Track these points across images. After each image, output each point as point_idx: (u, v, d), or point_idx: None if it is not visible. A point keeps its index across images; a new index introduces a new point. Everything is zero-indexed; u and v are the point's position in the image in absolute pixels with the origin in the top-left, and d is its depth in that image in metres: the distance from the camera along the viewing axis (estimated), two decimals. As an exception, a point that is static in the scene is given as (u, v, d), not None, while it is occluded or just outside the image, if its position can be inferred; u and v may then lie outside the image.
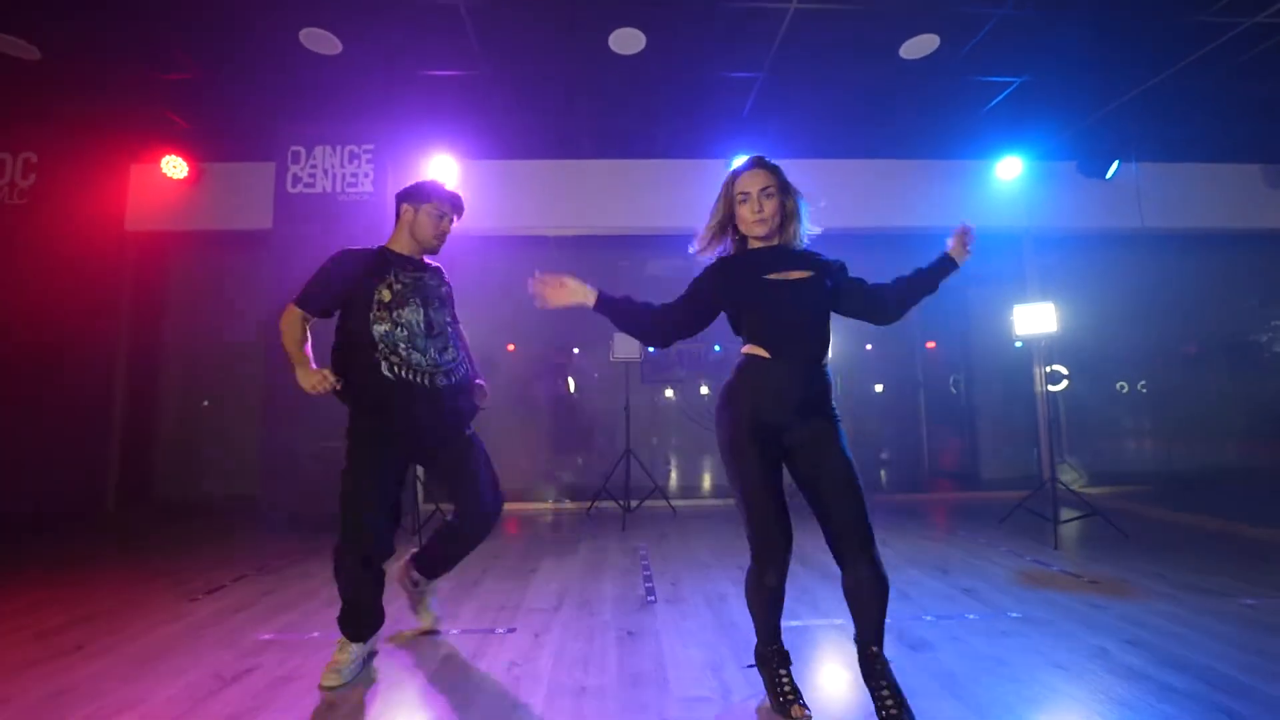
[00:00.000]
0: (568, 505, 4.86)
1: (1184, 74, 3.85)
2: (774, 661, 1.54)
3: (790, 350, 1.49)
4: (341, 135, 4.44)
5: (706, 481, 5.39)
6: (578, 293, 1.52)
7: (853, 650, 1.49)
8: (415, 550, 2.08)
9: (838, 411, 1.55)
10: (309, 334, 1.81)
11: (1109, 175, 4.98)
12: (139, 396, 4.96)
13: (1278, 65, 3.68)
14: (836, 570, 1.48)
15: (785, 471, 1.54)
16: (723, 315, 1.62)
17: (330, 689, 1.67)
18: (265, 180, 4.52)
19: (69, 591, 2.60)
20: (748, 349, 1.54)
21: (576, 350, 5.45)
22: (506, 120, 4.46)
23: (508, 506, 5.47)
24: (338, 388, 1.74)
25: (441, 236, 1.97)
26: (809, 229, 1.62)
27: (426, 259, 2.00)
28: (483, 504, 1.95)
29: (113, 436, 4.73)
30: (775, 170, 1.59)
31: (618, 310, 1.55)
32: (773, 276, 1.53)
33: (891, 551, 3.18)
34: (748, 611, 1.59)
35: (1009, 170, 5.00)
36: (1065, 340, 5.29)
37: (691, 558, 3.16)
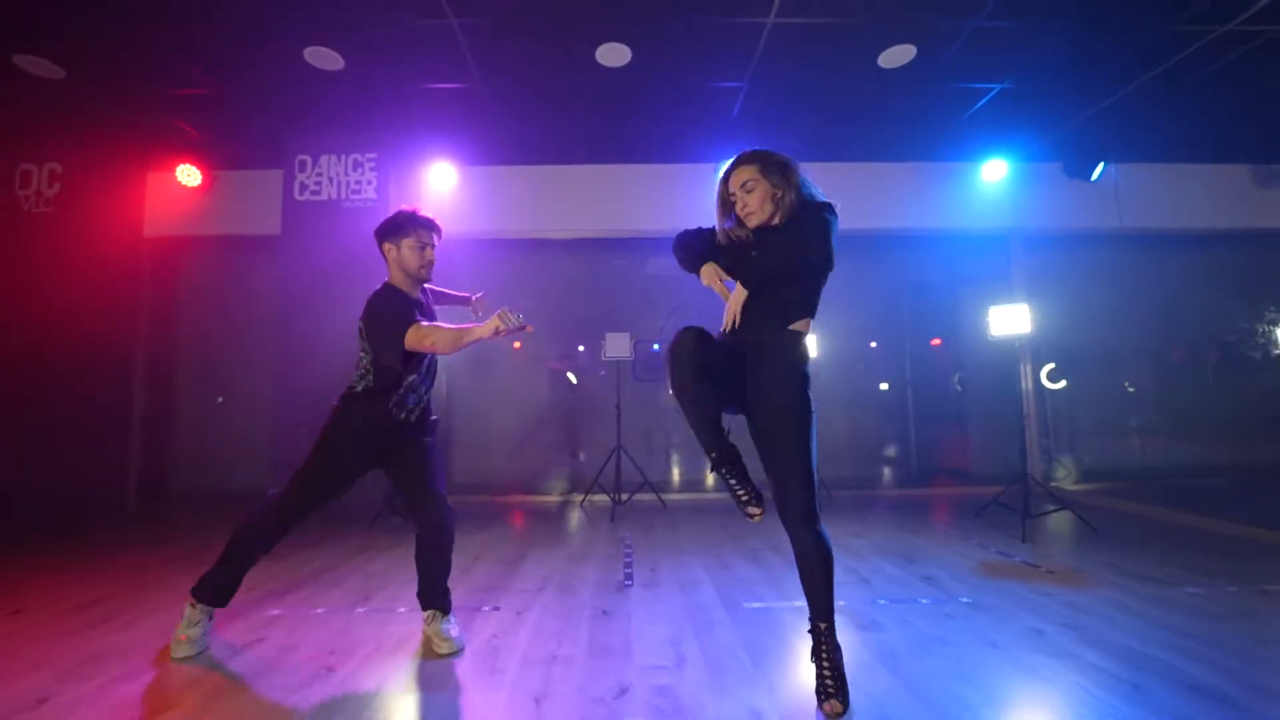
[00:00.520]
0: (559, 498, 5.05)
1: (1157, 82, 3.94)
2: (721, 467, 1.49)
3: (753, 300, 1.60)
4: (345, 145, 4.66)
5: (697, 476, 5.57)
6: (740, 295, 1.61)
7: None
8: (417, 592, 2.01)
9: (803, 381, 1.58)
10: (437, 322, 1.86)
11: (1094, 177, 5.07)
12: (157, 393, 5.18)
13: (1248, 72, 3.77)
14: None
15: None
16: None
17: (185, 659, 1.82)
18: (274, 187, 4.74)
19: (96, 574, 2.83)
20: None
21: (581, 348, 5.62)
22: (502, 129, 4.65)
23: (505, 499, 5.59)
24: (525, 326, 1.71)
25: (429, 265, 1.98)
26: (813, 191, 1.64)
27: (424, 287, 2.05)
28: (433, 511, 1.95)
29: (133, 433, 4.93)
30: (755, 159, 1.62)
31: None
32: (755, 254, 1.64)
33: (865, 543, 3.34)
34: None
35: (994, 172, 5.10)
36: (1065, 340, 5.41)
37: (675, 547, 3.32)
